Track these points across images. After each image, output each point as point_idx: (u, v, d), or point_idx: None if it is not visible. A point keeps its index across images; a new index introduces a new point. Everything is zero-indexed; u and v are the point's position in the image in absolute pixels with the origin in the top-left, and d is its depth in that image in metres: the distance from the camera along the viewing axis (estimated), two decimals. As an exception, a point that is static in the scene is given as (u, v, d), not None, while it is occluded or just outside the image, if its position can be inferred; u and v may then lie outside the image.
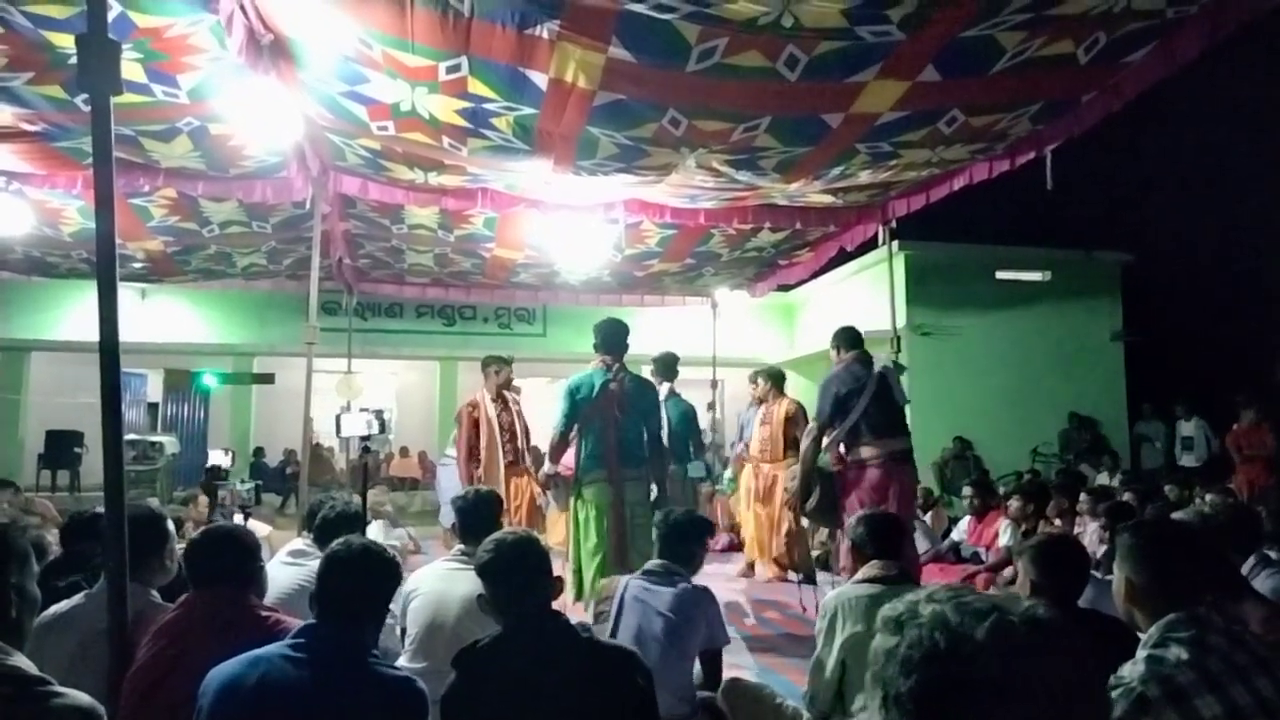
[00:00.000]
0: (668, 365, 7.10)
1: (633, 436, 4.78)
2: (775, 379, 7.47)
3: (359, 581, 1.98)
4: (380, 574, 2.05)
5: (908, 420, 5.11)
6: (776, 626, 5.69)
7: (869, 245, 7.70)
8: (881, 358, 5.06)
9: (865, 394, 4.84)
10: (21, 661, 1.46)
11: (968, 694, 0.83)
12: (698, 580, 3.21)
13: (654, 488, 4.94)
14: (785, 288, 12.18)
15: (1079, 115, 4.51)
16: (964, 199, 5.88)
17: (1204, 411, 10.82)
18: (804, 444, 5.20)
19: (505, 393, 6.56)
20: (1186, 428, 10.89)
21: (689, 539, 3.24)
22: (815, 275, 9.89)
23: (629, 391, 4.81)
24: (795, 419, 7.10)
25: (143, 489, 10.35)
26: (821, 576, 6.73)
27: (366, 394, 14.00)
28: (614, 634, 2.96)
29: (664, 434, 5.42)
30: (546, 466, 5.10)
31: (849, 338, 5.18)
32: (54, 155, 5.15)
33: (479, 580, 2.85)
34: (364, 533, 3.66)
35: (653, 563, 3.18)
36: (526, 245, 7.49)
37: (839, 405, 4.90)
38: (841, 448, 4.99)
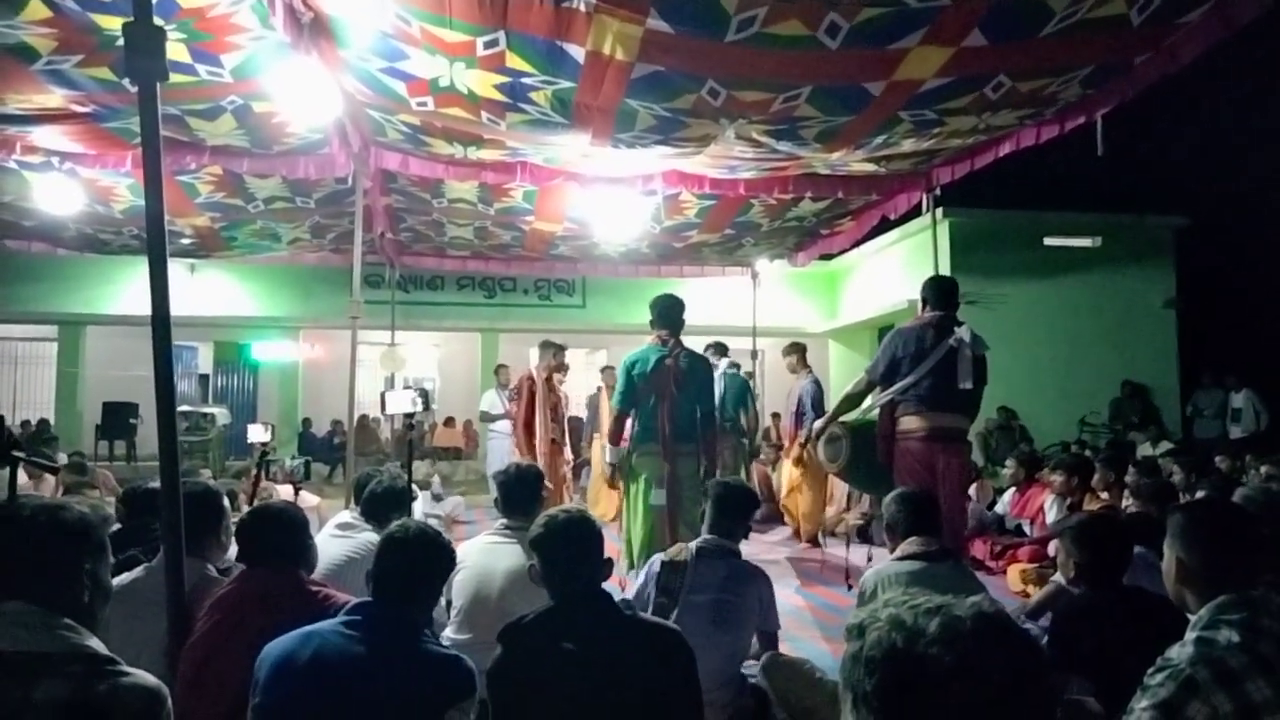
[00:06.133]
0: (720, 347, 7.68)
1: (685, 412, 4.78)
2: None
3: (415, 564, 2.05)
4: (436, 558, 2.13)
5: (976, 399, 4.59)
6: (815, 598, 5.70)
7: (913, 212, 7.56)
8: (965, 329, 4.52)
9: (924, 363, 4.39)
10: (93, 642, 1.54)
11: (925, 684, 0.90)
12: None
13: (703, 462, 4.89)
14: (827, 257, 12.04)
15: (1132, 78, 4.35)
16: (1010, 164, 5.70)
17: (1257, 382, 10.54)
18: (845, 389, 4.89)
19: (555, 375, 7.31)
20: (1236, 399, 10.64)
21: (744, 507, 3.27)
22: (858, 244, 9.77)
23: (684, 368, 4.81)
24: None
25: (195, 459, 10.61)
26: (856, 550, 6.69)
27: (410, 365, 14.23)
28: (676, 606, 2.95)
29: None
30: (609, 454, 4.98)
31: (935, 293, 4.65)
32: (104, 135, 5.26)
33: (522, 554, 2.90)
34: (411, 506, 3.75)
35: (705, 539, 3.17)
36: (565, 218, 7.49)
37: (892, 366, 4.51)
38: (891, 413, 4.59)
